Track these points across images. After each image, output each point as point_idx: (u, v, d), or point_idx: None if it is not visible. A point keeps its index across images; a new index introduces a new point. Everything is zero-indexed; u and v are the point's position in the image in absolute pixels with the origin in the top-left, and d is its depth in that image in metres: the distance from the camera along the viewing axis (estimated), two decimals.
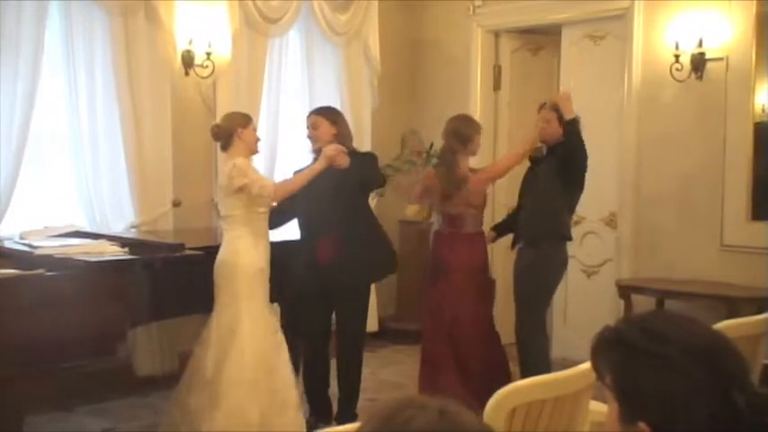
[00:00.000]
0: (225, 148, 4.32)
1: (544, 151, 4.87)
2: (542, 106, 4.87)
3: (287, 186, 4.30)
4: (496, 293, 5.09)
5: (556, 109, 4.73)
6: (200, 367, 4.15)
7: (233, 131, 4.25)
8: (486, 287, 4.92)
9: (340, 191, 4.41)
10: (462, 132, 4.80)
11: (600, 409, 2.46)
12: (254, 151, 4.41)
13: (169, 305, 4.32)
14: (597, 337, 1.41)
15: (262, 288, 4.22)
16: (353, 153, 4.50)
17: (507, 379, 4.51)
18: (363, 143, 6.69)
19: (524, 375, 4.54)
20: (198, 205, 5.75)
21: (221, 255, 4.22)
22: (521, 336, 4.79)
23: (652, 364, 1.31)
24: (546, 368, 4.57)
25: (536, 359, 4.66)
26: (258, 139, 4.41)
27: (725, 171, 5.47)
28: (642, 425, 1.31)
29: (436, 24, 7.07)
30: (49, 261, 3.85)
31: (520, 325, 4.79)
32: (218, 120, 4.71)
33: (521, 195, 4.97)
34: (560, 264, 4.84)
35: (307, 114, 4.77)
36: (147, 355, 5.29)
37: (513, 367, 4.81)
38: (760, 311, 3.56)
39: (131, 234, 5.07)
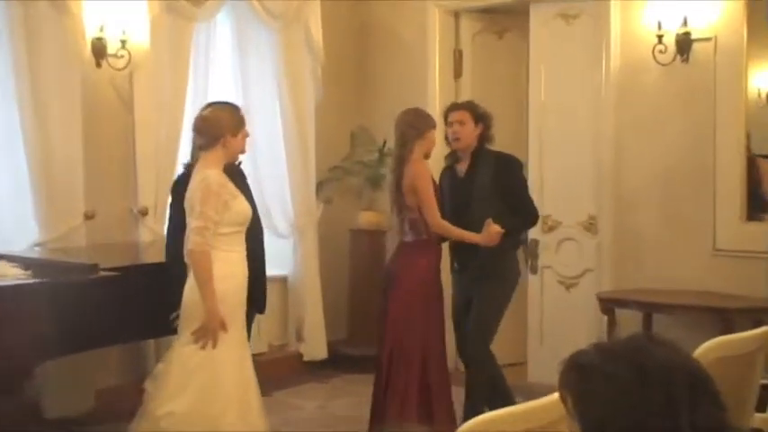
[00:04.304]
0: (204, 148, 4.12)
1: (460, 156, 4.94)
2: (454, 107, 4.98)
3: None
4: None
5: (470, 109, 4.86)
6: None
7: (220, 136, 4.07)
8: None
9: None
10: (416, 125, 4.78)
11: None
12: (234, 160, 4.27)
13: (84, 336, 4.27)
14: (562, 363, 1.56)
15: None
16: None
17: None
18: (307, 141, 6.68)
19: (476, 401, 4.75)
20: (115, 217, 5.69)
21: None
22: (473, 359, 4.88)
23: (603, 383, 1.47)
24: (506, 391, 4.78)
25: (493, 381, 4.80)
26: (244, 149, 4.26)
27: (716, 165, 5.51)
28: None
29: (387, 5, 7.07)
30: None
31: (472, 347, 4.86)
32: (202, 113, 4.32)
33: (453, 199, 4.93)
34: (511, 275, 4.93)
35: None
36: (59, 393, 5.21)
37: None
38: (758, 324, 3.59)
39: (35, 253, 5.00)
